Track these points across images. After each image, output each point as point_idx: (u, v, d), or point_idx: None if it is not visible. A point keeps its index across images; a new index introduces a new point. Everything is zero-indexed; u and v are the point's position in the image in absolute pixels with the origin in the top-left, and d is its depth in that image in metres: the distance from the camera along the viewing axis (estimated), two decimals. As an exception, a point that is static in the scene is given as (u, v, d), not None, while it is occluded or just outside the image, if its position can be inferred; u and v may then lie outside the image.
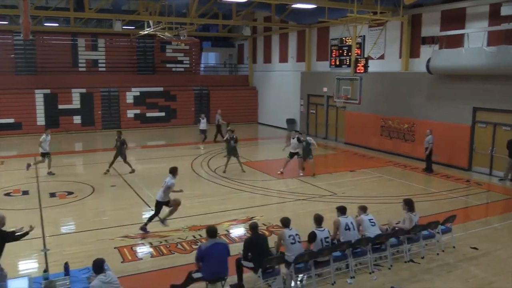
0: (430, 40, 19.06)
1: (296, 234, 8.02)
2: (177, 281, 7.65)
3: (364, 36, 21.59)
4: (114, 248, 9.77)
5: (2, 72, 27.46)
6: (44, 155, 16.66)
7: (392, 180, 16.40)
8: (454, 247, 9.79)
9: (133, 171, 16.96)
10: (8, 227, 7.43)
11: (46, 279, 6.83)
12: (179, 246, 9.92)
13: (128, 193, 14.45)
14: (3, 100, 26.46)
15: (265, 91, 32.50)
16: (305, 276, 8.19)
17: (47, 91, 27.61)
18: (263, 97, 32.86)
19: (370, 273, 8.54)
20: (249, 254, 7.80)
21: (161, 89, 30.73)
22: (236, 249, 8.52)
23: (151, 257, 9.42)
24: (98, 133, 28.16)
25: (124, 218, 11.92)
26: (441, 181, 16.21)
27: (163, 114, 30.71)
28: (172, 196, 10.85)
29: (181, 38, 24.20)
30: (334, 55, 22.58)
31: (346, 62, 21.32)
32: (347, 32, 19.95)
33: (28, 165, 16.66)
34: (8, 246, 7.31)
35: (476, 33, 16.81)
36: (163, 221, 10.90)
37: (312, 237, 8.14)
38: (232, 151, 17.26)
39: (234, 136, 17.32)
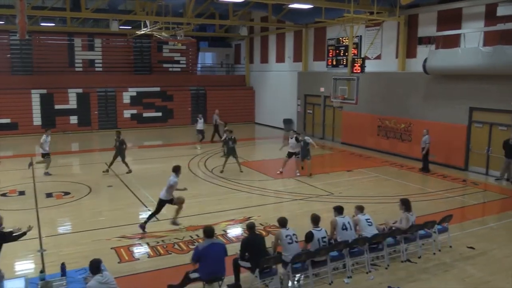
0: (427, 40, 19.12)
1: (293, 234, 8.02)
2: (174, 281, 7.64)
3: (360, 36, 21.63)
4: (111, 248, 9.74)
5: (-2, 72, 27.38)
6: (44, 155, 16.65)
7: (389, 180, 16.43)
8: (450, 246, 9.82)
9: (129, 171, 16.93)
10: (5, 228, 7.41)
11: (42, 280, 6.82)
12: (176, 246, 9.91)
13: (125, 194, 14.42)
14: (-1, 100, 26.40)
15: (262, 91, 32.52)
16: (302, 276, 8.19)
17: (44, 91, 27.53)
18: (260, 97, 32.88)
19: (367, 272, 8.56)
20: (246, 254, 7.80)
21: (158, 89, 30.70)
22: (233, 249, 8.51)
23: (148, 257, 9.40)
24: (95, 133, 28.11)
25: (121, 218, 11.89)
26: (438, 181, 16.26)
27: (160, 114, 30.68)
28: (177, 194, 10.90)
29: (178, 38, 24.18)
30: (331, 55, 22.62)
31: (343, 62, 21.36)
32: (344, 32, 19.98)
33: (30, 164, 16.71)
34: (5, 247, 7.30)
35: (472, 33, 16.86)
36: (174, 222, 10.99)
37: (309, 237, 8.15)
38: (230, 152, 17.26)
39: (233, 137, 17.33)
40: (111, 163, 16.88)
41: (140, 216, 12.31)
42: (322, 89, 25.00)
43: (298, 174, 16.76)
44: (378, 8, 18.01)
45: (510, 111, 15.92)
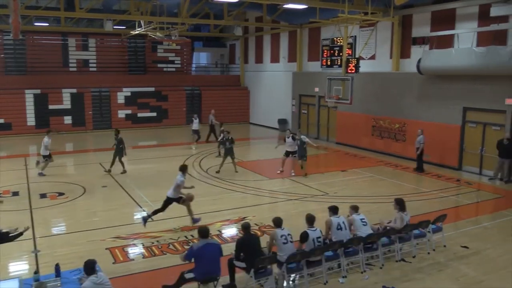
0: (421, 41, 19.21)
1: (288, 234, 8.03)
2: (169, 281, 7.62)
3: (355, 36, 21.66)
4: (106, 249, 9.71)
5: (-9, 72, 27.25)
6: (45, 157, 16.63)
7: (383, 179, 16.48)
8: (445, 246, 9.86)
9: (124, 171, 16.90)
10: (1, 229, 7.38)
11: (37, 281, 6.79)
12: (171, 246, 9.89)
13: (120, 194, 14.38)
14: (-7, 100, 26.24)
15: (256, 91, 32.52)
16: (297, 276, 8.20)
17: (37, 91, 27.40)
18: (254, 97, 32.88)
19: (362, 272, 8.58)
20: (241, 254, 7.80)
21: (152, 89, 30.64)
22: (228, 249, 8.51)
23: (143, 257, 9.38)
24: (89, 134, 28.01)
25: (115, 219, 11.86)
26: (432, 181, 16.32)
27: (154, 114, 30.62)
28: (186, 192, 11.01)
29: (173, 38, 24.16)
30: (325, 55, 22.64)
31: (338, 62, 21.40)
32: (338, 32, 20.03)
33: (38, 162, 16.80)
34: (-1, 248, 7.26)
35: (466, 33, 16.95)
36: (195, 220, 11.07)
37: (304, 237, 8.16)
38: (228, 152, 17.27)
39: (230, 137, 17.36)
40: (112, 163, 16.91)
41: (135, 217, 12.31)
42: (316, 89, 25.05)
43: (293, 174, 16.78)
44: (372, 9, 18.07)
45: (504, 111, 16.03)
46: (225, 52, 36.99)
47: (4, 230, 7.37)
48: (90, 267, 6.36)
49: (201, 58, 39.02)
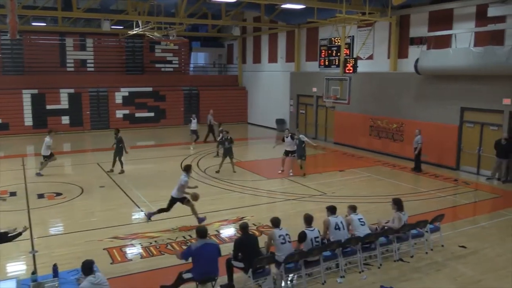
0: (418, 41, 19.22)
1: (286, 234, 8.04)
2: (167, 282, 7.62)
3: (353, 36, 21.70)
4: (103, 249, 9.70)
5: (-12, 72, 27.19)
6: (45, 157, 16.64)
7: (381, 179, 16.50)
8: (442, 246, 9.88)
9: (122, 171, 16.89)
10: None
11: (34, 281, 6.78)
12: (169, 246, 9.88)
13: (117, 194, 14.36)
14: (-10, 101, 26.18)
15: (254, 91, 32.52)
16: (295, 276, 8.21)
17: (35, 91, 27.35)
18: (252, 97, 32.88)
19: (360, 272, 8.59)
20: (240, 254, 7.80)
21: (150, 89, 30.60)
22: (227, 249, 8.51)
23: (140, 258, 9.37)
24: (87, 134, 27.97)
25: (113, 219, 11.85)
26: (430, 181, 16.35)
27: (152, 114, 30.58)
28: (191, 191, 11.05)
29: (170, 38, 24.12)
30: (323, 55, 22.67)
31: (335, 62, 21.42)
32: (336, 32, 20.03)
33: (42, 163, 16.81)
34: (-4, 248, 7.25)
35: (463, 33, 16.97)
36: (200, 219, 11.07)
37: (302, 237, 8.16)
38: (227, 152, 17.28)
39: (229, 137, 17.38)
40: (114, 163, 16.95)
41: (133, 217, 12.31)
42: (314, 89, 25.06)
43: (291, 174, 16.78)
44: (370, 9, 18.09)
45: (501, 111, 16.06)
46: (223, 52, 36.98)
47: (3, 230, 7.36)
48: (88, 268, 6.35)
49: (199, 58, 38.99)
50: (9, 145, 23.43)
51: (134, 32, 25.32)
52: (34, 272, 7.11)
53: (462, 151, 17.73)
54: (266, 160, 20.14)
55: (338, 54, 20.45)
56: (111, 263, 9.05)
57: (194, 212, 11.20)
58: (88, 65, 30.44)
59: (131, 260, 9.28)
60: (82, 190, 14.62)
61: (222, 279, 7.81)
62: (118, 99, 29.68)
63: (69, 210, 12.73)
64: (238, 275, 7.92)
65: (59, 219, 12.11)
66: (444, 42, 17.79)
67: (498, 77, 15.83)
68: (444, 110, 17.99)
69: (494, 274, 8.64)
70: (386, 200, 12.34)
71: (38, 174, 16.48)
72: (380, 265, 8.88)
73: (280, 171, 17.00)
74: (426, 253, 9.54)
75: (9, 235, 7.33)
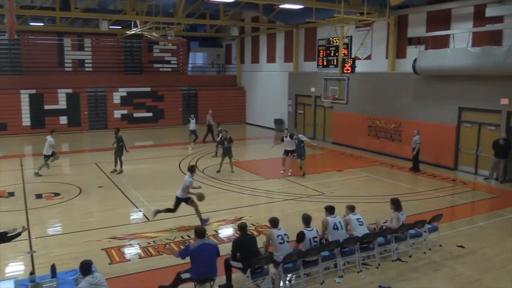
0: (416, 41, 19.26)
1: (285, 234, 8.04)
2: (165, 282, 7.62)
3: (351, 36, 21.71)
4: (102, 249, 9.69)
5: (-14, 72, 27.13)
6: (46, 156, 16.64)
7: (379, 179, 16.51)
8: (440, 245, 9.90)
9: (121, 171, 16.89)
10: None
11: (32, 282, 6.76)
12: (167, 247, 9.87)
13: (116, 194, 14.35)
14: (-12, 101, 26.13)
15: (253, 91, 32.53)
16: (294, 276, 8.21)
17: (33, 91, 27.29)
18: (251, 97, 32.88)
19: (358, 272, 8.60)
20: (238, 254, 7.81)
21: (148, 89, 30.57)
22: (225, 250, 8.51)
23: (139, 258, 9.37)
24: (85, 134, 27.93)
25: (111, 219, 11.83)
26: (428, 181, 16.37)
27: (150, 114, 30.54)
28: (195, 191, 11.09)
29: (169, 38, 24.12)
30: (321, 56, 22.65)
31: (334, 63, 21.42)
32: (334, 32, 20.05)
33: (48, 165, 16.82)
34: (-5, 248, 7.23)
35: (461, 34, 17.00)
36: (203, 220, 11.11)
37: (300, 237, 8.16)
38: (226, 151, 17.31)
39: (228, 136, 17.42)
40: (115, 162, 17.00)
41: (131, 217, 12.31)
42: (312, 89, 25.07)
43: (289, 174, 16.78)
44: (368, 9, 18.12)
45: (499, 111, 16.09)
46: (221, 52, 36.97)
47: (2, 230, 7.35)
48: (86, 268, 6.34)
49: (197, 58, 38.98)
50: (7, 145, 23.40)
51: (132, 32, 25.30)
52: (32, 273, 7.10)
53: (460, 151, 17.76)
54: (264, 160, 20.15)
55: (336, 54, 20.46)
56: (109, 263, 9.04)
57: (198, 212, 11.23)
58: (86, 65, 30.40)
59: (129, 260, 9.27)
60: (80, 190, 14.60)
61: (221, 279, 7.81)
62: (116, 99, 29.64)
63: (67, 210, 12.72)
64: (236, 275, 7.92)
65: (57, 219, 12.10)
66: (442, 42, 17.82)
67: (496, 77, 15.86)
68: (442, 110, 18.02)
69: (492, 274, 8.66)
70: (384, 200, 12.36)
71: (37, 174, 16.46)
72: (379, 265, 8.89)
73: (282, 171, 17.00)
74: (424, 253, 9.56)
75: (8, 235, 7.32)
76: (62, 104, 28.06)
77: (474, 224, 11.77)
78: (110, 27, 24.94)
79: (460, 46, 16.76)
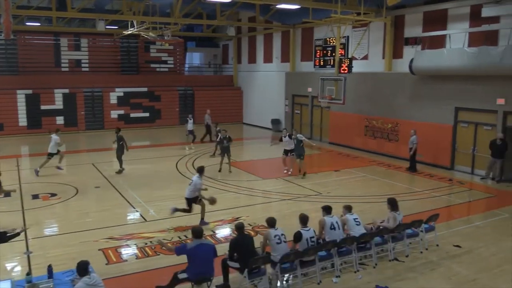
0: (413, 41, 19.28)
1: (282, 234, 8.04)
2: (162, 282, 7.61)
3: (348, 36, 21.67)
4: (99, 250, 9.67)
5: (-18, 72, 27.03)
6: (50, 154, 16.81)
7: (376, 179, 16.54)
8: (437, 245, 9.92)
9: (120, 171, 16.88)
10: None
11: (29, 282, 6.75)
12: (164, 248, 9.84)
13: (112, 194, 14.33)
14: (-16, 101, 26.04)
15: (250, 91, 32.52)
16: (291, 276, 8.21)
17: (29, 91, 27.22)
18: (248, 97, 32.88)
19: (355, 272, 8.61)
20: (235, 254, 7.80)
21: (145, 89, 30.54)
22: (222, 250, 8.51)
23: (136, 258, 9.35)
24: (81, 134, 27.87)
25: (108, 219, 11.81)
26: (424, 180, 16.40)
27: (147, 114, 30.52)
28: (207, 194, 11.25)
29: (165, 38, 24.11)
30: (318, 56, 22.63)
31: (330, 63, 21.41)
32: (331, 32, 20.07)
33: (58, 167, 16.99)
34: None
35: (457, 34, 17.04)
36: (203, 222, 11.06)
37: (297, 236, 8.17)
38: (225, 151, 17.36)
39: (228, 136, 17.46)
40: (119, 162, 17.01)
41: (128, 217, 12.29)
42: (309, 89, 25.09)
43: (290, 172, 16.76)
44: (365, 9, 18.15)
45: (495, 111, 16.14)
46: (218, 52, 36.96)
47: (1, 230, 7.33)
48: (83, 268, 6.33)
49: (194, 58, 38.95)
50: (4, 145, 23.29)
51: (129, 32, 25.26)
52: (28, 273, 7.07)
53: (457, 151, 17.80)
54: (261, 160, 20.16)
55: (333, 54, 20.47)
56: (106, 264, 9.03)
57: (202, 212, 11.27)
58: (82, 65, 30.34)
59: (126, 260, 9.26)
60: (77, 191, 14.57)
61: (218, 279, 7.81)
62: (113, 99, 29.60)
63: (64, 210, 12.70)
64: (233, 275, 7.92)
65: (54, 219, 12.07)
66: (439, 43, 17.86)
67: (492, 77, 15.91)
68: (438, 110, 18.06)
69: (489, 273, 8.69)
70: (381, 200, 12.38)
71: (36, 171, 16.44)
72: (376, 264, 8.90)
73: (285, 171, 17.01)
74: (421, 252, 9.58)
75: (8, 234, 7.30)
76: (58, 104, 28.02)
77: (471, 223, 11.81)
78: (107, 27, 24.90)
79: (457, 46, 16.81)
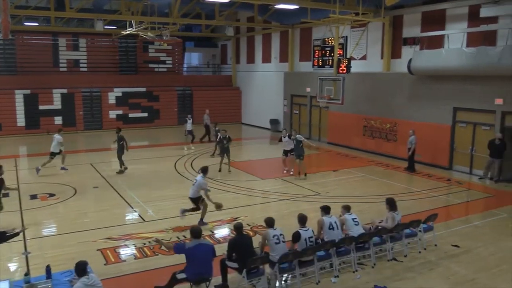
0: (411, 41, 19.28)
1: (281, 234, 8.04)
2: (161, 282, 7.61)
3: (346, 36, 21.76)
4: (97, 250, 9.66)
5: (-20, 72, 26.99)
6: (53, 154, 16.88)
7: (374, 179, 16.55)
8: (435, 245, 9.93)
9: (120, 172, 16.88)
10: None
11: (27, 283, 6.75)
12: (162, 247, 9.83)
13: (111, 195, 14.31)
14: (-18, 101, 26.00)
15: (248, 92, 32.52)
16: (290, 276, 8.21)
17: (27, 91, 27.18)
18: (246, 97, 32.88)
19: (353, 272, 8.61)
20: (234, 254, 7.80)
21: (143, 89, 30.52)
22: (221, 250, 8.51)
23: (134, 259, 9.34)
24: (80, 134, 27.83)
25: (106, 219, 11.80)
26: (423, 180, 16.42)
27: (146, 114, 30.50)
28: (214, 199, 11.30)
29: (164, 38, 24.08)
30: (317, 56, 22.69)
31: (329, 63, 21.45)
32: (330, 32, 20.07)
33: (63, 168, 17.19)
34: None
35: (456, 34, 17.06)
36: (202, 222, 11.06)
37: (296, 236, 8.17)
38: (225, 151, 17.38)
39: (227, 136, 17.48)
40: (122, 162, 17.05)
41: (126, 217, 12.28)
42: (308, 89, 25.09)
43: (292, 172, 16.75)
44: (363, 9, 18.16)
45: (493, 111, 16.16)
46: (216, 52, 36.95)
47: (1, 230, 7.32)
48: (81, 269, 6.32)
49: (193, 58, 38.93)
50: (2, 145, 23.25)
51: (128, 32, 25.24)
52: (27, 274, 7.07)
53: (455, 151, 17.82)
54: (260, 160, 20.16)
55: (332, 54, 20.49)
56: (104, 264, 9.02)
57: (203, 213, 11.27)
58: (81, 65, 30.31)
59: (124, 261, 9.25)
60: (76, 191, 14.55)
61: (216, 279, 7.80)
62: (112, 100, 29.58)
63: (63, 211, 12.68)
64: (232, 275, 7.92)
65: (52, 220, 12.05)
66: (437, 43, 17.88)
67: (490, 78, 15.93)
68: (437, 110, 18.08)
69: (487, 273, 8.70)
70: (380, 200, 12.39)
71: (37, 169, 16.45)
72: (374, 264, 8.91)
73: (284, 171, 17.01)
74: (420, 252, 9.58)
75: (7, 234, 7.29)
76: (57, 104, 27.98)
77: (469, 223, 11.82)
78: (105, 27, 24.86)
79: (455, 47, 16.82)
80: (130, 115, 29.98)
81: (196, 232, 7.55)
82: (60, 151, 17.13)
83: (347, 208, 9.35)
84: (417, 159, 17.92)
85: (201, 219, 11.21)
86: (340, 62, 19.16)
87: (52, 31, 27.87)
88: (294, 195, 14.27)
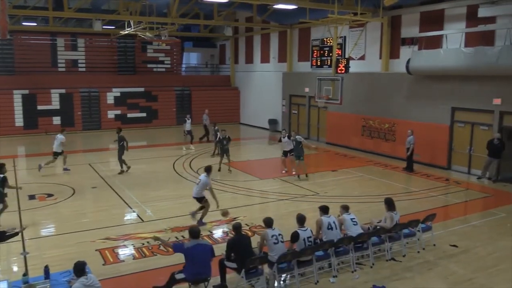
0: (410, 41, 19.34)
1: (279, 234, 8.04)
2: (159, 282, 7.61)
3: (344, 37, 21.78)
4: (95, 250, 9.65)
5: (-21, 73, 26.94)
6: (56, 154, 16.98)
7: (373, 179, 16.56)
8: (434, 245, 9.94)
9: (121, 172, 16.88)
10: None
11: (26, 283, 6.73)
12: (161, 247, 9.83)
13: (109, 195, 14.30)
14: (-20, 101, 25.95)
15: (247, 92, 32.52)
16: (288, 276, 8.22)
17: (26, 91, 27.14)
18: (245, 97, 32.88)
19: (352, 271, 8.62)
20: (232, 254, 7.80)
21: (142, 89, 30.49)
22: (219, 250, 8.50)
23: (133, 259, 9.33)
24: (78, 134, 27.77)
25: (105, 219, 11.79)
26: (421, 180, 16.43)
27: (144, 114, 30.47)
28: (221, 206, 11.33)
29: (162, 38, 24.07)
30: (315, 56, 22.72)
31: (327, 63, 21.48)
32: (328, 32, 20.10)
33: (65, 169, 17.22)
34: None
35: (454, 34, 17.08)
36: (201, 222, 11.10)
37: (295, 236, 8.17)
38: (224, 151, 17.42)
39: (227, 136, 17.54)
40: (123, 163, 17.08)
41: (125, 217, 12.27)
42: (306, 90, 25.10)
43: (293, 172, 16.76)
44: (361, 9, 18.16)
45: (491, 111, 16.19)
46: (215, 52, 36.95)
47: (1, 229, 7.32)
48: (79, 269, 6.31)
49: (191, 58, 38.90)
50: (0, 146, 23.20)
51: (126, 32, 25.22)
52: (25, 274, 7.05)
53: (453, 151, 17.85)
54: (258, 160, 20.16)
55: (330, 54, 20.52)
56: (103, 264, 9.01)
57: (203, 213, 11.30)
58: (79, 65, 30.29)
59: (123, 261, 9.24)
60: (74, 191, 14.54)
61: (215, 279, 7.80)
62: (110, 100, 29.54)
63: (61, 211, 12.65)
64: (231, 275, 7.92)
65: (50, 220, 12.03)
66: (435, 43, 17.90)
67: (489, 78, 15.95)
68: (435, 110, 18.10)
69: (485, 273, 8.71)
70: (378, 199, 12.39)
71: (40, 167, 16.54)
72: (373, 264, 8.92)
73: (284, 171, 17.02)
74: (418, 252, 9.60)
75: (7, 234, 7.28)
76: (55, 104, 27.93)
77: (468, 223, 11.84)
78: (104, 27, 24.86)
79: (453, 47, 16.85)
80: (129, 115, 29.95)
81: (194, 232, 7.55)
82: (62, 151, 17.12)
83: (345, 208, 9.35)
84: (416, 159, 17.93)
85: (201, 219, 11.22)
86: (339, 62, 19.19)
87: (51, 31, 27.83)
88: (293, 195, 14.27)
